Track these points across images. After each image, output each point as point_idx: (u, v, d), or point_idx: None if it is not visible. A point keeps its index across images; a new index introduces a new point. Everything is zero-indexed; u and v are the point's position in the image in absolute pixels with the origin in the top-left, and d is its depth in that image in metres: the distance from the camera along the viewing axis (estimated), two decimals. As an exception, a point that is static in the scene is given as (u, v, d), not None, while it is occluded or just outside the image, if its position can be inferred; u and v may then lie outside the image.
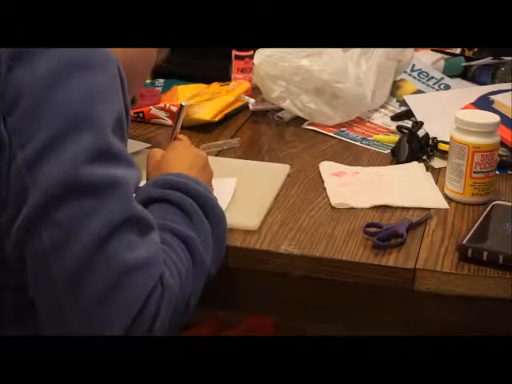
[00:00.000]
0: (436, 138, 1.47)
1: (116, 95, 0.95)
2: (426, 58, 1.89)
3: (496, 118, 1.30)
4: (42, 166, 0.88)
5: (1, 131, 0.89)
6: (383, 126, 1.63)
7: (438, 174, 1.40)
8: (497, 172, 1.31)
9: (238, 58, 1.71)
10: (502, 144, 1.41)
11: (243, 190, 1.28)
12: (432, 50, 1.91)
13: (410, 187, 1.35)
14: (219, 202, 1.11)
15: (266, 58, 1.59)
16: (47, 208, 0.88)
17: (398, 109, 1.70)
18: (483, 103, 1.55)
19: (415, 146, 1.45)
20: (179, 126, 1.29)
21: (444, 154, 1.42)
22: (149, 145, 1.49)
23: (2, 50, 0.90)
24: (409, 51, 1.74)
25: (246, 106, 1.67)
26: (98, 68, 0.93)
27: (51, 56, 0.90)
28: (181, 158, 1.19)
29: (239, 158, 1.46)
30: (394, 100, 1.74)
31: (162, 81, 1.79)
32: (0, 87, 0.89)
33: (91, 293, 0.88)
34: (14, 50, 0.90)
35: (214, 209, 1.08)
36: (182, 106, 1.29)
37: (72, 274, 0.88)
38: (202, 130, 1.55)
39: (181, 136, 1.27)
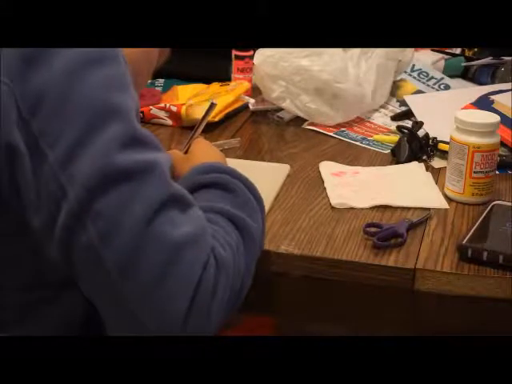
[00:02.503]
0: (436, 138, 1.47)
1: (131, 86, 0.95)
2: (426, 58, 1.89)
3: (496, 118, 1.30)
4: (76, 162, 0.88)
5: (28, 135, 0.89)
6: (383, 126, 1.63)
7: (438, 174, 1.40)
8: (497, 172, 1.31)
9: (238, 58, 1.71)
10: (502, 144, 1.41)
11: (243, 190, 1.28)
12: (432, 50, 1.92)
13: (410, 187, 1.35)
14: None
15: (266, 58, 1.59)
16: (88, 201, 0.88)
17: (398, 109, 1.70)
18: (483, 103, 1.55)
19: (415, 146, 1.45)
20: (204, 123, 1.29)
21: (444, 154, 1.42)
22: (149, 145, 1.48)
23: (9, 56, 0.90)
24: (409, 51, 1.74)
25: (245, 106, 1.67)
26: (113, 60, 0.93)
27: (66, 54, 0.90)
28: (210, 152, 1.21)
29: (239, 158, 1.46)
30: (394, 100, 1.74)
31: (162, 81, 1.79)
32: (18, 92, 0.89)
33: (146, 277, 0.88)
34: (24, 53, 0.90)
35: (257, 192, 1.09)
36: (212, 104, 1.27)
37: (124, 261, 0.88)
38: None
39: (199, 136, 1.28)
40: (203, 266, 0.90)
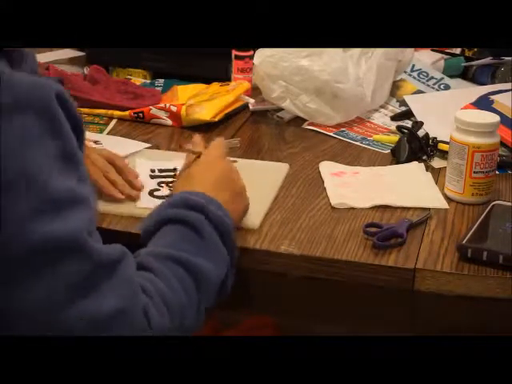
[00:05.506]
0: (436, 138, 1.47)
1: (53, 133, 0.87)
2: (426, 58, 1.89)
3: (496, 118, 1.30)
4: None
5: None
6: (383, 126, 1.63)
7: (437, 174, 1.40)
8: (497, 172, 1.31)
9: (238, 58, 1.71)
10: (502, 144, 1.41)
11: (243, 190, 1.28)
12: (432, 50, 1.91)
13: (410, 187, 1.35)
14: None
15: (266, 58, 1.59)
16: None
17: (398, 109, 1.70)
18: (483, 103, 1.55)
19: (415, 146, 1.45)
20: None
21: (444, 154, 1.42)
22: (149, 145, 1.49)
23: None
24: (409, 51, 1.74)
25: (245, 106, 1.67)
26: (29, 114, 0.85)
27: None
28: (207, 174, 1.17)
29: (239, 157, 1.46)
30: (394, 100, 1.74)
31: (161, 81, 1.79)
32: None
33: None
34: None
35: (228, 233, 1.08)
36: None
37: (55, 330, 0.88)
38: (202, 130, 1.55)
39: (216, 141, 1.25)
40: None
